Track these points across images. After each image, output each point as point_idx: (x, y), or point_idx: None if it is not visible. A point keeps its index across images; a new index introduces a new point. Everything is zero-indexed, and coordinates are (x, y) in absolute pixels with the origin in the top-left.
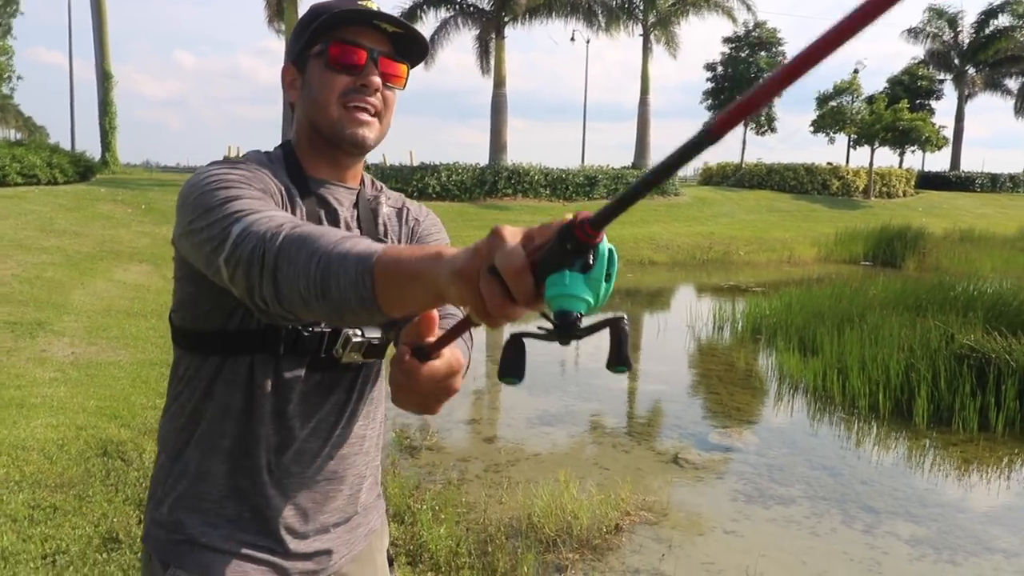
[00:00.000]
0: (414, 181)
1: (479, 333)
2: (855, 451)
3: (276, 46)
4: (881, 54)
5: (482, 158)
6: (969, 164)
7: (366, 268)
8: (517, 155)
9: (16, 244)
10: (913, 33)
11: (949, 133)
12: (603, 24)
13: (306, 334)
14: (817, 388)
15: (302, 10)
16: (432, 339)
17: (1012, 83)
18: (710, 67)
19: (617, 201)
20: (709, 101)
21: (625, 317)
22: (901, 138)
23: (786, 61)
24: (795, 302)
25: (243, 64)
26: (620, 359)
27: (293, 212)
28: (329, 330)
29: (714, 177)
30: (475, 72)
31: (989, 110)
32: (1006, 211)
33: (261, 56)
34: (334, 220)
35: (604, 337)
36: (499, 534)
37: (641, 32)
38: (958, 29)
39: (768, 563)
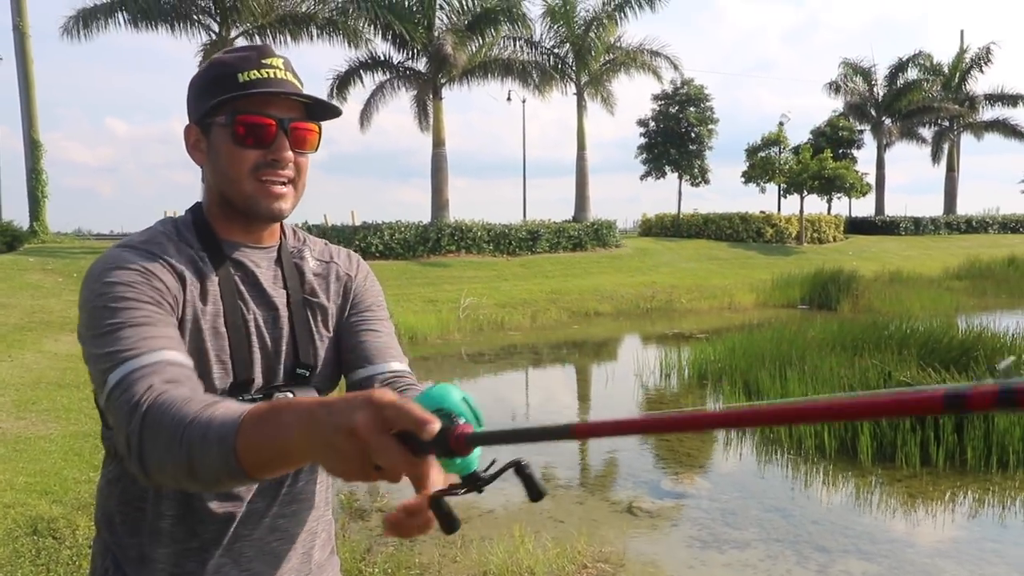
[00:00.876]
0: (356, 240)
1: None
2: (804, 491)
3: None
4: (803, 107)
5: (424, 216)
6: (893, 209)
7: (228, 449)
8: (459, 212)
9: None
10: (832, 87)
11: (872, 180)
12: (538, 84)
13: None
14: (764, 430)
15: None
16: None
17: (926, 132)
18: (642, 123)
19: (502, 433)
20: (644, 155)
21: (523, 459)
22: (828, 185)
23: (643, 419)
24: (738, 347)
25: (177, 129)
26: (535, 494)
27: (203, 287)
28: (260, 396)
29: (653, 228)
30: (414, 132)
31: (907, 158)
32: (930, 252)
33: None
34: (254, 284)
35: (556, 379)
36: None
37: (575, 91)
38: (872, 82)
39: None
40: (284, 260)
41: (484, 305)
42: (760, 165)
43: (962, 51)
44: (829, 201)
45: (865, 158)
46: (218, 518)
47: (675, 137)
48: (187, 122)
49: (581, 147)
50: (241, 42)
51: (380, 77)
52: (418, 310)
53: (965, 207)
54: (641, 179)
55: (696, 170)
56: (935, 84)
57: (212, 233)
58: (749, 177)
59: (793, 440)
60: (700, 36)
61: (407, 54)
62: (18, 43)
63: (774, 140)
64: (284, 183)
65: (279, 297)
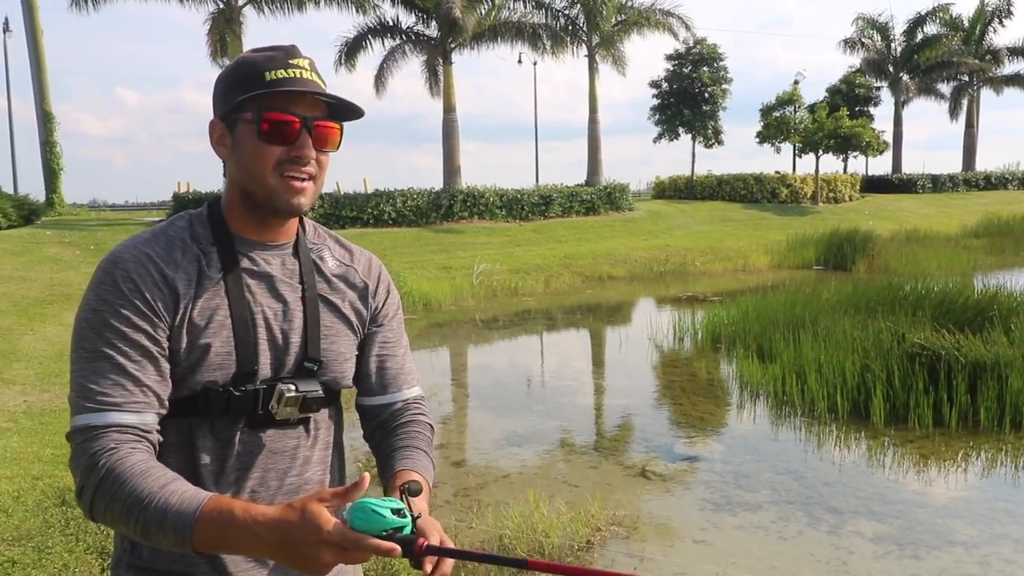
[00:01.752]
0: (369, 208)
1: (442, 358)
2: (817, 453)
3: None
4: (819, 64)
5: (436, 182)
6: (910, 167)
7: (185, 539)
8: (471, 178)
9: None
10: (848, 43)
11: (889, 138)
12: (548, 47)
13: (237, 394)
14: (777, 393)
15: (246, 43)
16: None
17: (944, 88)
18: (655, 84)
19: (458, 552)
20: (656, 116)
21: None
22: (843, 144)
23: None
24: (752, 310)
25: (187, 98)
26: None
27: (208, 283)
28: (264, 387)
29: (667, 190)
30: (425, 97)
31: (925, 114)
32: (948, 210)
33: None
34: (264, 278)
35: (570, 344)
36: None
37: (586, 53)
38: (890, 38)
39: (738, 570)
40: (301, 255)
41: (497, 271)
42: (775, 125)
43: (983, 4)
44: (845, 160)
45: (882, 115)
46: None
47: (688, 98)
48: (203, 110)
49: (593, 110)
50: (249, 11)
51: (389, 43)
52: (432, 277)
53: (984, 163)
54: (654, 141)
55: (710, 131)
56: (955, 38)
57: (226, 228)
58: (764, 137)
59: (806, 402)
60: None
61: (416, 18)
62: (27, 15)
63: (789, 99)
64: (305, 179)
65: (293, 291)
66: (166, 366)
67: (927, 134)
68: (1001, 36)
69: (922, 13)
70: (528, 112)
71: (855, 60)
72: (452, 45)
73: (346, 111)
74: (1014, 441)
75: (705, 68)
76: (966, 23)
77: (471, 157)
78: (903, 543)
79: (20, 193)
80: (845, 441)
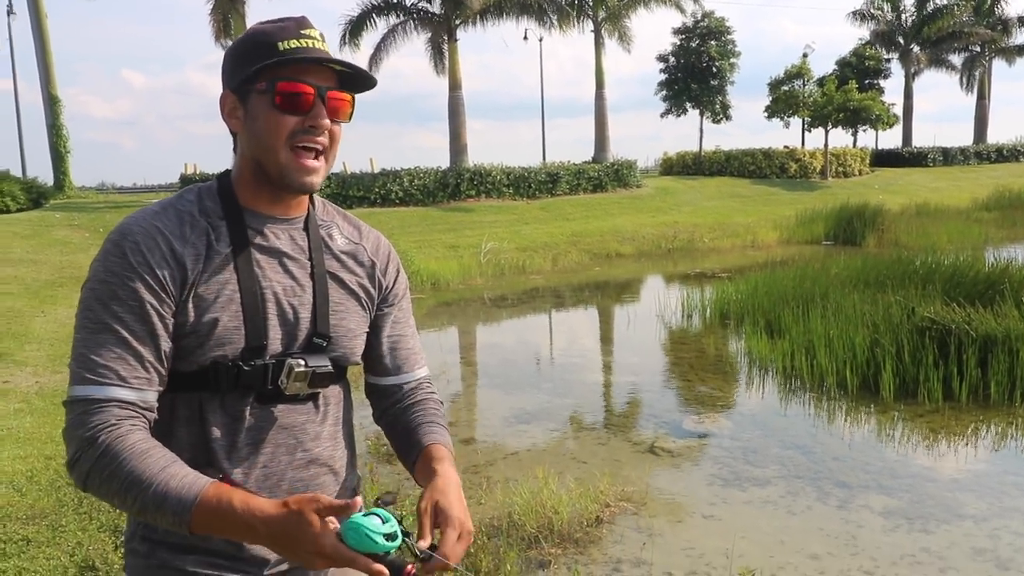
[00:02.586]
0: (376, 188)
1: (450, 337)
2: (826, 428)
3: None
4: (828, 37)
5: (443, 161)
6: (921, 140)
7: (183, 522)
8: (478, 156)
9: None
10: (858, 15)
11: (899, 111)
12: (554, 22)
13: (247, 368)
14: (786, 369)
15: (250, 23)
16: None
17: (956, 59)
18: (662, 58)
19: None
20: (664, 92)
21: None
22: (853, 118)
23: None
24: (760, 286)
25: (193, 80)
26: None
27: (217, 257)
28: (273, 362)
29: (674, 167)
30: (431, 76)
31: (936, 86)
32: (959, 184)
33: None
34: (274, 253)
35: (578, 322)
36: (480, 534)
37: (592, 28)
38: (900, 9)
39: (747, 544)
40: (311, 231)
41: (505, 249)
42: (784, 99)
43: None
44: (855, 134)
45: (892, 88)
46: (236, 479)
47: (696, 72)
48: (219, 88)
49: (600, 86)
50: None
51: (394, 20)
52: (440, 256)
53: (996, 135)
54: (661, 116)
55: (718, 106)
56: (965, 8)
57: (235, 202)
58: (772, 112)
59: (815, 378)
60: None
61: None
62: None
63: (798, 73)
64: (317, 154)
65: (302, 267)
66: (168, 344)
67: (938, 106)
68: (1012, 5)
69: None
70: (534, 89)
71: (865, 32)
72: (457, 22)
73: (357, 82)
74: None
75: (713, 42)
76: None
77: (478, 136)
78: (912, 517)
79: (28, 176)
80: (854, 416)
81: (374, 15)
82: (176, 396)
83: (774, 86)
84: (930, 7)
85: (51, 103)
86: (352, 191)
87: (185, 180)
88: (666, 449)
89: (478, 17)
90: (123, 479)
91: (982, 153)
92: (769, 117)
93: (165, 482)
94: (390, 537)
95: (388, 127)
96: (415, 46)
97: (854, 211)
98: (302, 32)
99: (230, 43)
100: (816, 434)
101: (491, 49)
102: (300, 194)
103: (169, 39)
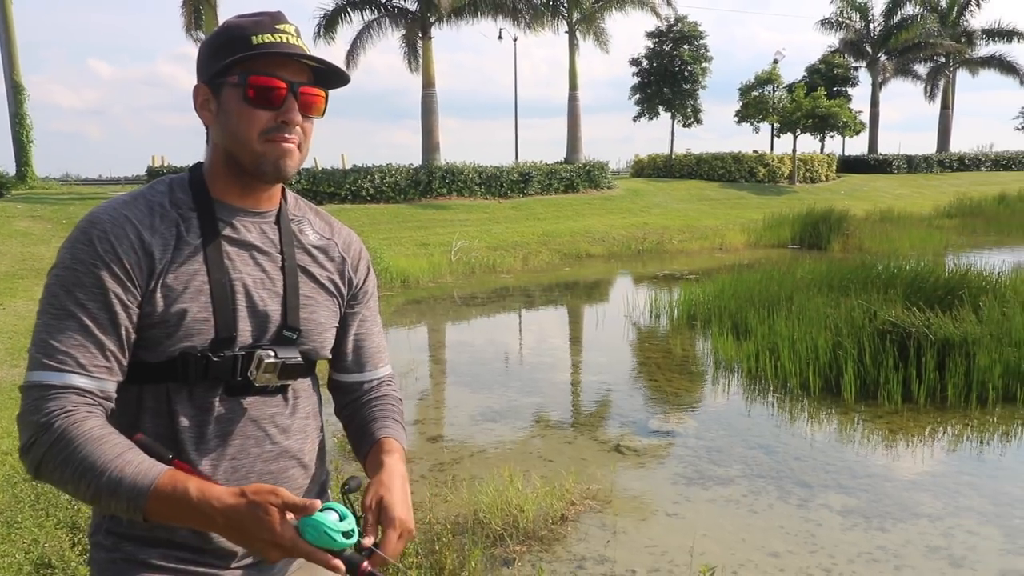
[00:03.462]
0: (347, 184)
1: (419, 334)
2: (788, 429)
3: (195, 53)
4: (798, 44)
5: (415, 159)
6: (886, 147)
7: (137, 508)
8: (451, 154)
9: None
10: (827, 24)
11: (866, 118)
12: (528, 21)
13: (216, 359)
14: (751, 370)
15: (222, 16)
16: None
17: (921, 69)
18: (635, 62)
19: None
20: (637, 95)
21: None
22: (821, 124)
23: None
24: (727, 287)
25: (163, 71)
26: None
27: (186, 249)
28: (243, 353)
29: (645, 169)
30: (404, 73)
31: (902, 95)
32: (922, 191)
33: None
34: (245, 245)
35: (548, 321)
36: (446, 532)
37: (567, 29)
38: (868, 18)
39: (709, 542)
40: (283, 224)
41: (476, 248)
42: (754, 104)
43: None
44: (822, 140)
45: (859, 95)
46: (203, 471)
47: (668, 76)
48: (190, 80)
49: (573, 87)
50: None
51: (368, 16)
52: (410, 253)
53: (959, 144)
54: (634, 120)
55: (689, 110)
56: (932, 19)
57: (207, 194)
58: (742, 116)
59: (779, 379)
60: None
61: None
62: None
63: (768, 78)
64: (291, 143)
65: (272, 260)
66: (131, 335)
67: (903, 115)
68: (977, 18)
69: None
70: (508, 89)
71: (834, 40)
72: (431, 19)
73: (330, 78)
74: (980, 417)
75: (685, 46)
76: (943, 4)
77: (451, 134)
78: (870, 516)
79: None
80: (816, 417)
81: (349, 9)
82: (143, 387)
83: (745, 91)
84: (897, 17)
85: (15, 91)
86: (323, 187)
87: (152, 172)
88: (632, 448)
89: (453, 14)
90: (77, 465)
91: (945, 161)
92: (739, 122)
93: (120, 468)
94: (347, 535)
95: (361, 123)
96: (389, 42)
97: (820, 216)
98: (276, 27)
99: (201, 35)
100: (779, 434)
101: (466, 48)
102: (275, 182)
103: (139, 29)
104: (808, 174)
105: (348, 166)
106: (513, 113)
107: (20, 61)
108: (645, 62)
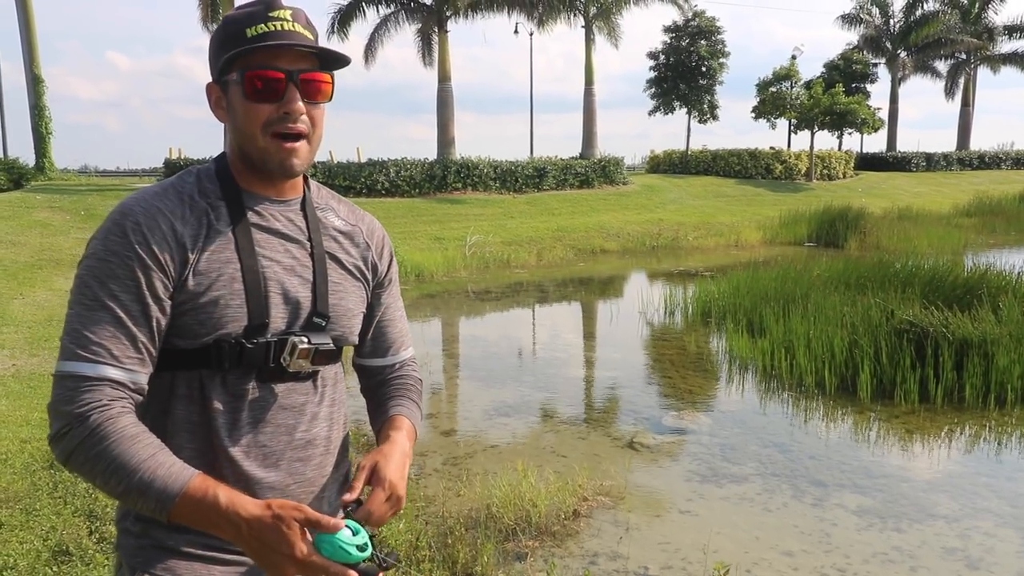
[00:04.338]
0: (362, 178)
1: (433, 328)
2: (803, 427)
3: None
4: (817, 40)
5: (430, 153)
6: (905, 145)
7: (164, 511)
8: (466, 149)
9: None
10: (847, 19)
11: (884, 115)
12: (544, 16)
13: (250, 346)
14: (766, 368)
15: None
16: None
17: (941, 65)
18: (652, 56)
19: None
20: (653, 90)
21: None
22: (839, 121)
23: None
24: (743, 285)
25: (180, 63)
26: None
27: (217, 238)
28: (275, 340)
29: (661, 165)
30: (419, 67)
31: (921, 92)
32: (941, 189)
33: (197, 55)
34: (273, 233)
35: (561, 317)
36: (458, 526)
37: (583, 24)
38: (888, 14)
39: (723, 540)
40: (308, 212)
41: (490, 243)
42: (771, 100)
43: None
44: (840, 137)
45: (878, 92)
46: (234, 457)
47: (685, 71)
48: (206, 72)
49: (589, 82)
50: None
51: (384, 10)
52: (424, 248)
53: (979, 142)
54: (649, 114)
55: (705, 105)
56: (953, 15)
57: (234, 184)
58: (759, 113)
59: (794, 377)
60: None
61: None
62: None
63: (786, 74)
64: (297, 139)
65: (301, 247)
66: (160, 327)
67: (922, 112)
68: (999, 14)
69: None
70: (524, 84)
71: (853, 36)
72: (448, 13)
73: (331, 60)
74: (998, 417)
75: (703, 41)
76: (964, 0)
77: (466, 129)
78: (885, 516)
79: (9, 157)
80: (832, 416)
81: (364, 4)
82: (176, 374)
83: (762, 87)
84: (918, 13)
85: (34, 83)
86: (338, 180)
87: (169, 164)
88: (645, 444)
89: (469, 8)
90: (110, 462)
91: (964, 159)
92: (756, 118)
93: (152, 470)
94: (361, 548)
95: (376, 117)
96: (405, 37)
97: (837, 214)
98: (270, 15)
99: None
100: (793, 433)
101: (481, 42)
102: (284, 179)
103: (156, 21)
104: (825, 171)
105: (363, 160)
106: (528, 108)
107: (40, 53)
108: (662, 57)
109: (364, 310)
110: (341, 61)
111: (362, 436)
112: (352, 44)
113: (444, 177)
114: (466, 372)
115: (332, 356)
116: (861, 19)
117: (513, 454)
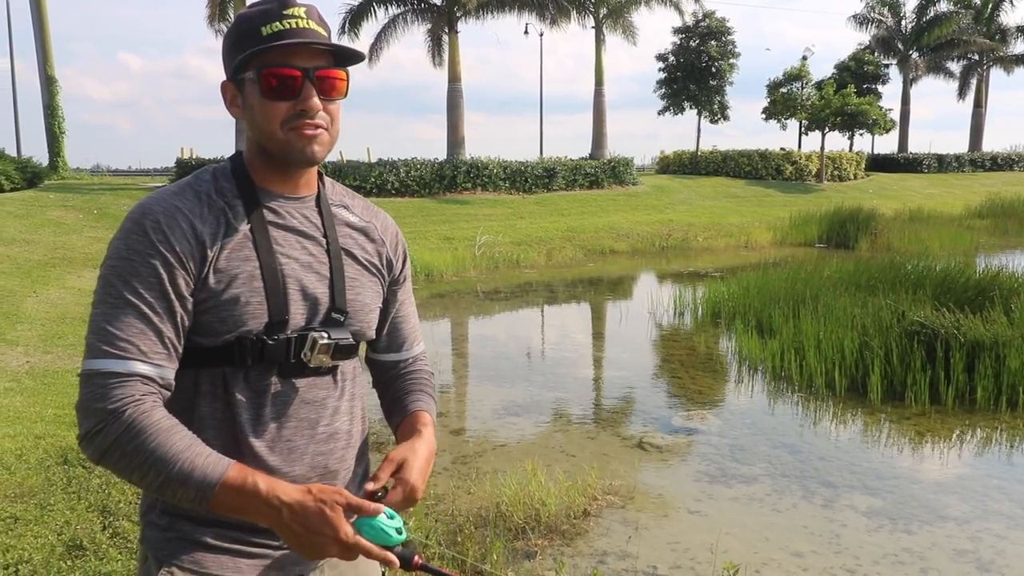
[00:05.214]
0: (372, 178)
1: (443, 328)
2: (813, 428)
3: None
4: (828, 40)
5: (440, 153)
6: (916, 146)
7: (204, 500)
8: (475, 149)
9: None
10: (858, 20)
11: (896, 116)
12: (555, 17)
13: (271, 342)
14: (775, 368)
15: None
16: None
17: (954, 66)
18: (662, 57)
19: (440, 572)
20: (662, 91)
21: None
22: (850, 122)
23: None
24: (753, 286)
25: (191, 64)
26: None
27: (235, 236)
28: (296, 336)
29: (671, 165)
30: (429, 67)
31: (933, 93)
32: (952, 191)
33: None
34: (290, 230)
35: (571, 317)
36: (468, 524)
37: (593, 24)
38: (900, 15)
39: (732, 540)
40: (323, 208)
41: (500, 243)
42: (781, 101)
43: None
44: (851, 138)
45: (890, 93)
46: (258, 452)
47: (695, 72)
48: (217, 73)
49: (599, 82)
50: None
51: (394, 10)
52: (434, 247)
53: (991, 144)
54: (659, 114)
55: (716, 106)
56: (965, 16)
57: (250, 182)
58: (770, 113)
59: (804, 378)
60: None
61: None
62: None
63: (796, 75)
64: (316, 127)
65: (317, 243)
66: (184, 323)
67: (934, 113)
68: (1012, 15)
69: None
70: (533, 84)
71: (864, 37)
72: (458, 13)
73: (346, 57)
74: (1009, 420)
75: (713, 42)
76: (977, 1)
77: (476, 129)
78: (896, 517)
79: (23, 156)
80: (842, 417)
81: (375, 4)
82: (199, 371)
83: (773, 88)
84: (930, 14)
85: (48, 83)
86: (349, 180)
87: (181, 164)
88: (654, 444)
89: (479, 9)
90: (148, 455)
91: (977, 161)
92: (766, 119)
93: (191, 460)
94: (399, 532)
95: (385, 117)
96: (415, 37)
97: (848, 215)
98: (284, 12)
99: (224, 27)
100: (803, 434)
101: (491, 43)
102: (307, 167)
103: (167, 23)
104: (836, 172)
105: (374, 160)
106: (538, 108)
107: (54, 54)
108: (672, 58)
109: (380, 305)
110: (356, 57)
111: (372, 433)
112: (363, 44)
113: (454, 177)
114: (476, 371)
115: (351, 351)
116: (873, 20)
117: (522, 453)
